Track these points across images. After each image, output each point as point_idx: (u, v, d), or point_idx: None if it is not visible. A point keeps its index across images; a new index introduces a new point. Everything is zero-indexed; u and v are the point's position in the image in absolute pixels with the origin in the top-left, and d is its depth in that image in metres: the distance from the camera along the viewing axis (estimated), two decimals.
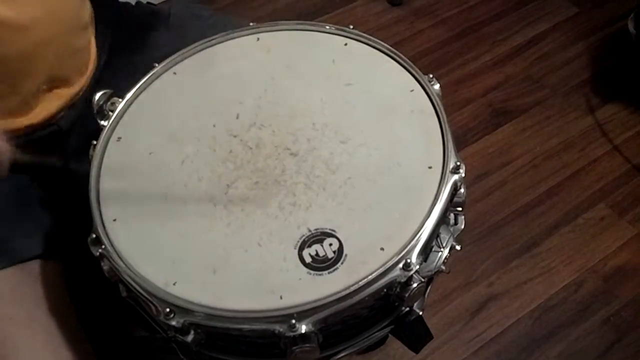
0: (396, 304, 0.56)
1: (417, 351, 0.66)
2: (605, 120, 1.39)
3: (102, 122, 0.64)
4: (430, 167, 0.58)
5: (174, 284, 0.52)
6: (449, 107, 1.39)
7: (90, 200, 0.58)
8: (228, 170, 0.61)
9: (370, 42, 0.70)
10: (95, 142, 0.63)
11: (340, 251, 0.53)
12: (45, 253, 0.67)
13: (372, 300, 0.52)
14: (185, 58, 0.71)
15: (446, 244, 0.60)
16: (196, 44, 0.71)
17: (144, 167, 0.62)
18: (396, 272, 0.52)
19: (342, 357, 0.60)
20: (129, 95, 0.67)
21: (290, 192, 0.58)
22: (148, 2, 0.92)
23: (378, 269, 0.51)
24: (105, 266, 0.55)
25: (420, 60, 1.53)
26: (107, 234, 0.56)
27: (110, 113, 0.65)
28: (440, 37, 1.60)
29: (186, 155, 0.62)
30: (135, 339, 0.63)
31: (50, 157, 0.67)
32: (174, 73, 0.70)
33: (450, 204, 0.58)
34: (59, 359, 0.62)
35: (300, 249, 0.54)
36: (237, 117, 0.65)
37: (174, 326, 0.51)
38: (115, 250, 0.54)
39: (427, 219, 0.54)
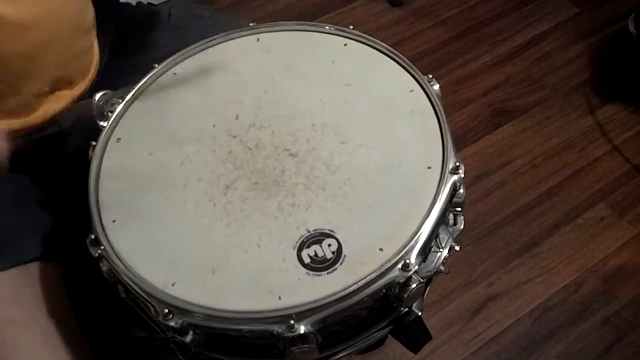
0: (395, 304, 0.56)
1: (416, 351, 0.66)
2: (605, 120, 1.39)
3: (102, 123, 0.64)
4: (429, 168, 0.58)
5: (173, 285, 0.52)
6: (449, 107, 1.39)
7: (90, 201, 0.58)
8: (227, 170, 0.61)
9: (370, 43, 0.70)
10: (94, 143, 0.63)
11: (339, 252, 0.53)
12: (45, 255, 0.67)
13: (371, 300, 0.52)
14: (185, 58, 0.71)
15: (445, 245, 0.60)
16: (196, 45, 0.71)
17: (144, 167, 0.62)
18: (395, 272, 0.52)
19: (341, 357, 0.60)
20: (128, 96, 0.67)
21: (289, 192, 0.58)
22: (148, 3, 0.93)
23: (377, 269, 0.51)
24: (104, 267, 0.55)
25: (421, 61, 1.53)
26: (106, 235, 0.56)
27: (110, 114, 0.65)
28: (441, 38, 1.60)
29: (186, 156, 0.62)
30: (134, 339, 0.63)
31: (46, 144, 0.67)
32: (174, 73, 0.70)
33: (450, 204, 0.58)
34: None
35: (299, 250, 0.54)
36: (237, 118, 0.65)
37: (172, 327, 0.51)
38: (114, 251, 0.55)
39: (426, 220, 0.54)
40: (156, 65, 0.69)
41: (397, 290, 0.53)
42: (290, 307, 0.50)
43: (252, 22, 0.74)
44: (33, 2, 0.64)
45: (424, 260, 0.57)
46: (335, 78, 0.68)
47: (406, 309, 0.61)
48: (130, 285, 0.52)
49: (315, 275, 0.52)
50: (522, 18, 1.63)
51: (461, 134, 1.38)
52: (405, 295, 0.53)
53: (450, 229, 0.63)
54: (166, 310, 0.51)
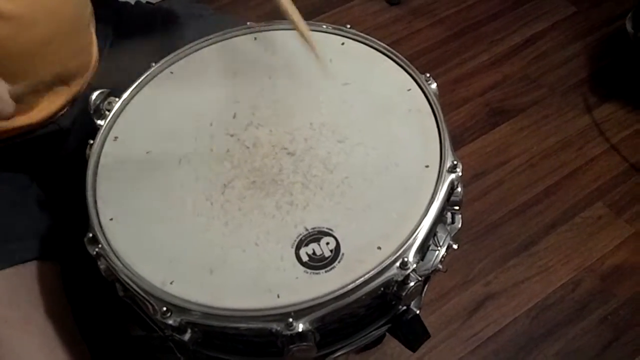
0: (393, 302, 0.56)
1: (414, 350, 0.66)
2: (602, 120, 1.40)
3: (99, 122, 0.64)
4: (427, 166, 0.59)
5: (171, 283, 0.52)
6: (447, 107, 1.39)
7: (87, 199, 0.58)
8: (225, 169, 0.61)
9: (367, 42, 0.70)
10: (91, 142, 0.63)
11: (337, 250, 0.53)
12: (43, 254, 0.67)
13: (369, 299, 0.52)
14: (182, 57, 0.71)
15: (443, 243, 0.60)
16: (193, 44, 0.71)
17: (141, 166, 0.62)
18: (393, 270, 0.52)
19: (339, 355, 0.60)
20: (125, 95, 0.67)
21: (287, 191, 0.58)
22: (147, 2, 0.93)
23: (375, 267, 0.51)
24: (102, 265, 0.55)
25: (418, 60, 1.54)
26: (103, 233, 0.56)
27: (107, 112, 0.65)
28: (438, 37, 1.60)
29: (183, 155, 0.62)
30: (132, 338, 0.63)
31: None
32: (171, 72, 0.70)
33: (447, 203, 0.58)
34: None
35: (298, 248, 0.54)
36: (234, 117, 0.65)
37: (171, 325, 0.51)
38: (112, 250, 0.54)
39: (424, 218, 0.54)
40: (153, 64, 0.69)
41: (395, 288, 0.53)
42: (289, 305, 0.50)
43: (249, 21, 0.74)
44: None
45: (422, 259, 0.57)
46: (332, 77, 0.68)
47: (404, 308, 0.61)
48: (128, 284, 0.52)
49: (313, 273, 0.52)
50: (520, 17, 1.64)
51: (459, 133, 1.38)
52: (404, 294, 0.53)
53: (448, 228, 0.63)
54: (164, 309, 0.50)
